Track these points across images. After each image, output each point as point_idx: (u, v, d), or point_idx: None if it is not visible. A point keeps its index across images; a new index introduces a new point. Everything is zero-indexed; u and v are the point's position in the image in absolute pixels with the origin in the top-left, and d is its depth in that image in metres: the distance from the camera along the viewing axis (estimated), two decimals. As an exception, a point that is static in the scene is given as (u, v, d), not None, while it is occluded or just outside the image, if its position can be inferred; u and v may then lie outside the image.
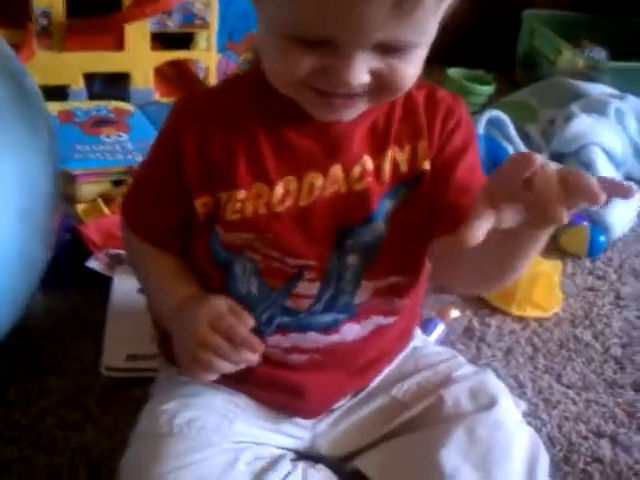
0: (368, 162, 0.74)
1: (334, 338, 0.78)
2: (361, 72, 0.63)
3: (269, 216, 0.74)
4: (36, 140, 0.89)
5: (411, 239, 0.78)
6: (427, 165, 0.75)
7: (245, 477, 0.74)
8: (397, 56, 0.64)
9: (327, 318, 0.77)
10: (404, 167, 0.75)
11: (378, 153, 0.75)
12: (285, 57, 0.64)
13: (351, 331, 0.79)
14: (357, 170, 0.74)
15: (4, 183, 0.82)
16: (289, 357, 0.79)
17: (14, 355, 1.01)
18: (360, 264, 0.76)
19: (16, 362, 1.01)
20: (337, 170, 0.74)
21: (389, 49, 0.63)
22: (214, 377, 0.73)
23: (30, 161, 0.86)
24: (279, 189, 0.73)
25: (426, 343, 0.94)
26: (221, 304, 0.74)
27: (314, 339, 0.78)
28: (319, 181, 0.74)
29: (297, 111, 0.71)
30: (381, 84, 0.66)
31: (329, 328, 0.78)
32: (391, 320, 0.81)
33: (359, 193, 0.74)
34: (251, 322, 0.72)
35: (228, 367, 0.72)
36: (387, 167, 0.75)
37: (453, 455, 0.75)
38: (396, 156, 0.75)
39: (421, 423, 0.81)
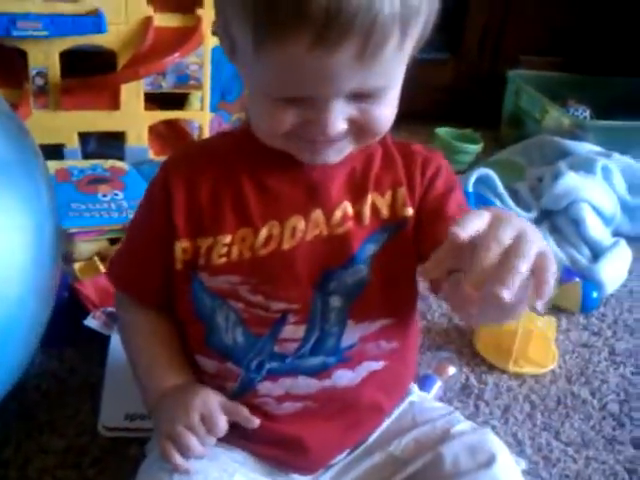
0: (348, 207, 0.77)
1: (326, 384, 0.78)
2: (338, 121, 0.67)
3: (253, 259, 0.76)
4: (39, 199, 0.89)
5: (395, 282, 0.79)
6: (409, 212, 0.78)
7: None
8: (371, 101, 0.68)
9: (316, 361, 0.78)
10: (385, 211, 0.78)
11: (358, 198, 0.78)
12: (269, 114, 0.69)
13: (344, 377, 0.79)
14: (338, 215, 0.77)
15: (8, 243, 0.82)
16: (282, 406, 0.79)
17: (11, 414, 1.00)
18: (344, 306, 0.77)
19: (13, 421, 0.99)
20: (318, 214, 0.77)
21: (362, 96, 0.67)
22: (180, 462, 0.74)
23: (33, 220, 0.86)
24: (263, 233, 0.76)
25: (423, 398, 0.93)
26: (214, 400, 0.77)
27: (306, 384, 0.78)
28: (301, 224, 0.76)
29: (279, 159, 0.75)
30: (360, 128, 0.70)
31: (319, 372, 0.78)
32: (382, 364, 0.81)
33: (340, 237, 0.77)
34: (244, 411, 0.76)
35: (200, 451, 0.75)
36: (367, 212, 0.77)
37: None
38: (376, 201, 0.78)
39: (420, 480, 0.80)
